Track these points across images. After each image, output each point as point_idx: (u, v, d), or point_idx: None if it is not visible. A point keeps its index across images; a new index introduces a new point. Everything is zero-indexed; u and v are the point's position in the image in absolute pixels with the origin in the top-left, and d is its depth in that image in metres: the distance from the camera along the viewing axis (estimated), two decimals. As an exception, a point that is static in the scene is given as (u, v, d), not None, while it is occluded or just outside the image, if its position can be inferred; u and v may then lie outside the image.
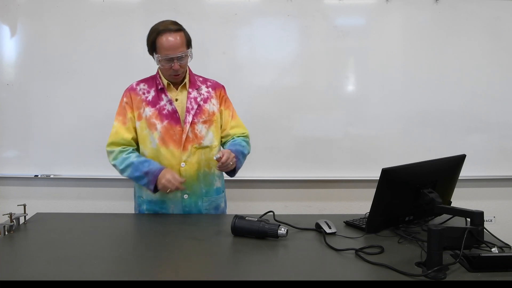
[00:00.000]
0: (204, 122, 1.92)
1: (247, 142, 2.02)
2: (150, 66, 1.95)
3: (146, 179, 1.82)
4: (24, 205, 1.78)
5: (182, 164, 1.89)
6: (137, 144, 1.95)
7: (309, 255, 1.47)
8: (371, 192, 1.59)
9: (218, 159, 1.77)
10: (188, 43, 1.86)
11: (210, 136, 1.93)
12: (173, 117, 1.89)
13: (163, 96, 1.90)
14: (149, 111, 1.89)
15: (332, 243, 1.51)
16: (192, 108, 1.90)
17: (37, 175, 2.72)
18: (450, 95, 2.73)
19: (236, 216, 1.60)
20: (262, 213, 1.74)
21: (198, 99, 1.93)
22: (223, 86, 2.03)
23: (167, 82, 1.91)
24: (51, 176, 2.72)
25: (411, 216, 1.69)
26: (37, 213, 1.90)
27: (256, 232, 1.56)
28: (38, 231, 1.68)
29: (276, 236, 1.55)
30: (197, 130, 1.90)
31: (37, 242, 1.56)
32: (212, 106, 1.95)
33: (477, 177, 2.77)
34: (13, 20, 2.63)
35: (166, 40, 1.79)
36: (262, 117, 2.69)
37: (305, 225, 1.70)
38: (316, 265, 1.40)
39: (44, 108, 2.67)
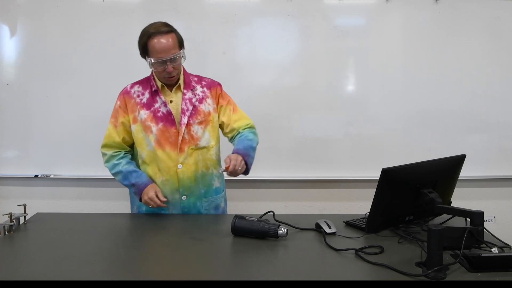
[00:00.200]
0: (200, 123, 1.90)
1: (254, 133, 1.98)
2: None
3: (133, 189, 1.89)
4: (24, 205, 1.78)
5: (179, 166, 1.88)
6: (132, 146, 1.96)
7: (309, 255, 1.47)
8: (371, 192, 1.59)
9: (225, 170, 1.75)
10: (180, 44, 1.83)
11: (206, 137, 1.92)
12: (168, 119, 1.88)
13: (157, 98, 1.89)
14: (144, 113, 1.88)
15: (332, 243, 1.51)
16: (188, 110, 1.89)
17: (37, 175, 2.72)
18: (450, 95, 2.73)
19: (236, 216, 1.60)
20: (262, 213, 1.73)
21: (193, 100, 1.91)
22: (219, 84, 2.00)
23: (161, 84, 1.89)
24: (51, 176, 2.72)
25: (411, 216, 1.69)
26: (37, 213, 1.90)
27: (256, 232, 1.56)
28: (38, 231, 1.68)
29: (276, 236, 1.55)
30: (193, 131, 1.89)
31: (37, 242, 1.56)
32: (208, 106, 1.93)
33: (477, 177, 2.77)
34: (13, 20, 2.63)
35: (158, 43, 1.76)
36: (262, 117, 2.66)
37: (305, 225, 1.69)
38: (316, 265, 1.40)
39: (44, 108, 2.67)
